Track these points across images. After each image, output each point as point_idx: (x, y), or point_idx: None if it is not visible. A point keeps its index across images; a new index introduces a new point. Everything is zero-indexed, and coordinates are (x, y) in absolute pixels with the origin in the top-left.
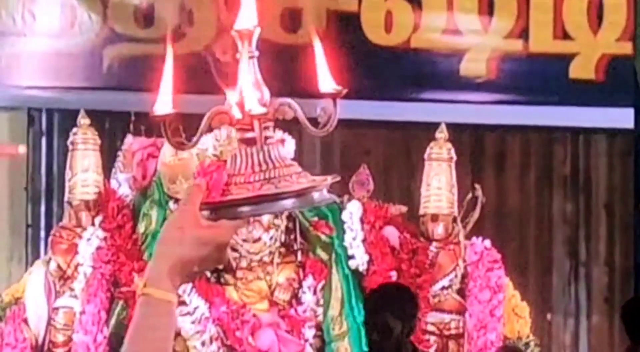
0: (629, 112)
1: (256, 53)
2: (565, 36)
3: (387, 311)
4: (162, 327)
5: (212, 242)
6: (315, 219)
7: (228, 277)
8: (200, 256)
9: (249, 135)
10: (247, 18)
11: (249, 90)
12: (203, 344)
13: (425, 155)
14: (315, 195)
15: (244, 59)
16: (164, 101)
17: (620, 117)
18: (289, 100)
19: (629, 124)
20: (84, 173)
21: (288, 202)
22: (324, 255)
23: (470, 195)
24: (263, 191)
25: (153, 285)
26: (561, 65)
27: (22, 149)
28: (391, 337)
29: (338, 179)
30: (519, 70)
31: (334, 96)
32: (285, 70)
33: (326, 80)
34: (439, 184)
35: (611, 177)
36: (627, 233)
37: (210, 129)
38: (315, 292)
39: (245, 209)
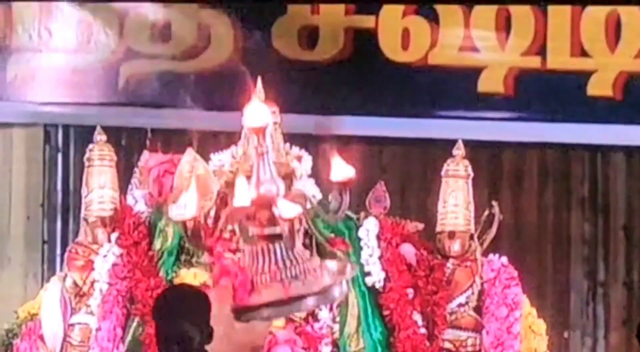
0: None
1: (268, 148)
2: (583, 53)
3: (184, 318)
4: None
5: (248, 346)
6: (332, 235)
7: None
8: None
9: (272, 231)
10: (258, 115)
11: (281, 202)
12: None
13: (442, 172)
14: (336, 291)
15: (256, 155)
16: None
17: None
18: (303, 192)
19: None
20: (100, 190)
21: (313, 301)
22: None
23: (487, 212)
24: (292, 291)
25: None
26: (579, 83)
27: None
28: (192, 348)
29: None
30: (537, 87)
31: (344, 185)
32: (302, 86)
33: (337, 170)
34: (455, 201)
35: (630, 196)
36: None
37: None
38: (331, 309)
39: (274, 311)
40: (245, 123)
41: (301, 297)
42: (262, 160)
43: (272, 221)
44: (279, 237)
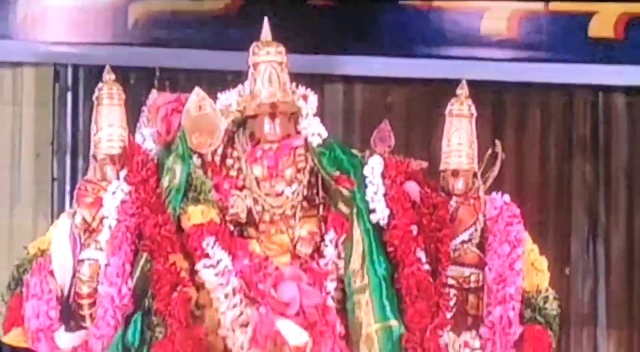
0: None
1: None
2: None
3: None
4: None
5: None
6: (337, 173)
7: (251, 230)
8: None
9: None
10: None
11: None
12: (226, 296)
13: (446, 112)
14: None
15: None
16: None
17: None
18: None
19: None
20: (109, 128)
21: None
22: (345, 209)
23: (490, 151)
24: None
25: None
26: (581, 24)
27: None
28: None
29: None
30: (539, 28)
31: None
32: (308, 27)
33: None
34: (459, 140)
35: (631, 136)
36: None
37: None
38: (336, 246)
39: None
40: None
41: None
42: None
43: None
44: None
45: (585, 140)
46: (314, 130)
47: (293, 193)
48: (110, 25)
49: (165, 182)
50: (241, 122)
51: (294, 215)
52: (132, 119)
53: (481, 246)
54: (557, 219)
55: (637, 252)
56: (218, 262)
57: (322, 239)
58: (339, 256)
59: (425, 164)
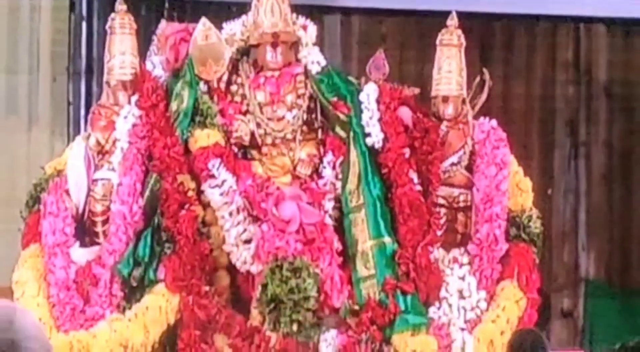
0: (628, 1)
1: None
2: None
3: None
4: None
5: None
6: (335, 99)
7: (254, 152)
8: None
9: None
10: None
11: None
12: (231, 214)
13: (437, 41)
14: None
15: None
16: None
17: (618, 7)
18: None
19: (628, 12)
20: (121, 55)
21: None
22: (342, 133)
23: (478, 78)
24: None
25: None
26: None
27: None
28: None
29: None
30: None
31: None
32: None
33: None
34: (449, 68)
35: (610, 61)
36: (625, 113)
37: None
38: (334, 167)
39: None
40: None
41: None
42: None
43: None
44: None
45: (567, 65)
46: (313, 58)
47: (293, 118)
48: None
49: (173, 106)
50: (245, 51)
51: (295, 138)
52: (143, 47)
53: (469, 168)
54: (541, 141)
55: (616, 169)
56: (223, 182)
57: (321, 161)
58: (336, 177)
59: (417, 91)
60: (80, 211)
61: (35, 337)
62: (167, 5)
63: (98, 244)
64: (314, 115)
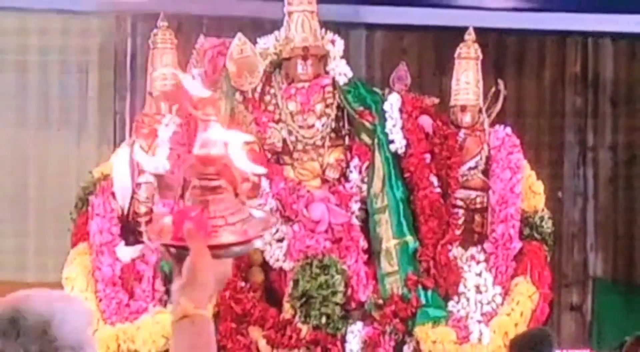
0: (632, 18)
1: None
2: None
3: None
4: (212, 341)
5: (225, 273)
6: (361, 108)
7: (286, 158)
8: (220, 284)
9: (214, 184)
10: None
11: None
12: None
13: (455, 54)
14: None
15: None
16: None
17: (624, 23)
18: None
19: (632, 28)
20: (163, 68)
21: (257, 243)
22: (368, 140)
23: (493, 89)
24: (250, 234)
25: (202, 308)
26: None
27: None
28: None
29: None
30: None
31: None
32: None
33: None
34: (467, 79)
35: (616, 74)
36: (630, 121)
37: None
38: (360, 172)
39: (236, 249)
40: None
41: (253, 238)
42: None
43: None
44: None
45: (576, 77)
46: (340, 70)
47: (322, 125)
48: None
49: None
50: (277, 64)
51: (323, 145)
52: (183, 60)
53: (486, 172)
54: (552, 148)
55: (621, 173)
56: None
57: (348, 166)
58: (362, 181)
59: (436, 101)
60: (125, 212)
61: (72, 323)
62: (205, 21)
63: (142, 243)
64: (341, 124)
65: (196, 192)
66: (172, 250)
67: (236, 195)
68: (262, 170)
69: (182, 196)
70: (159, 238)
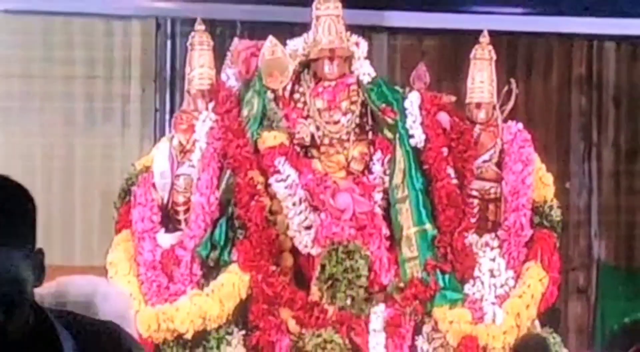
0: (635, 22)
1: None
2: None
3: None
4: None
5: None
6: (383, 105)
7: (313, 151)
8: None
9: None
10: None
11: None
12: (294, 204)
13: (471, 56)
14: None
15: None
16: None
17: (627, 26)
18: None
19: (635, 31)
20: (200, 68)
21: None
22: (389, 134)
23: (506, 87)
24: None
25: None
26: None
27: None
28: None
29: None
30: None
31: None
32: None
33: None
34: (481, 78)
35: (618, 75)
36: (631, 119)
37: None
38: (383, 164)
39: None
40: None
41: None
42: None
43: None
44: None
45: (581, 78)
46: (364, 70)
47: (347, 121)
48: None
49: (245, 112)
50: (306, 64)
51: (348, 139)
52: (219, 61)
53: (499, 165)
54: (559, 143)
55: (622, 167)
56: (287, 177)
57: (371, 159)
58: (384, 173)
59: (454, 98)
60: (165, 201)
61: (113, 305)
62: (239, 25)
63: (180, 230)
64: (365, 119)
65: None
66: None
67: None
68: None
69: None
70: None
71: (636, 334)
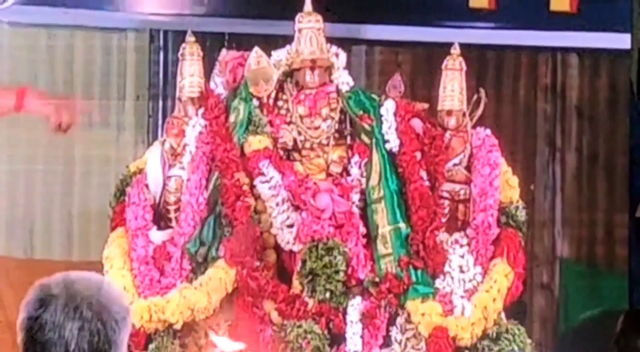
0: (595, 35)
1: None
2: None
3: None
4: None
5: None
6: (361, 112)
7: (295, 155)
8: None
9: None
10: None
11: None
12: (277, 204)
13: (443, 66)
14: None
15: None
16: None
17: (588, 40)
18: None
19: (595, 44)
20: (190, 77)
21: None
22: (366, 139)
23: (475, 96)
24: None
25: None
26: (543, 0)
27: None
28: None
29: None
30: (513, 3)
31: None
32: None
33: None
34: (452, 88)
35: (581, 86)
36: (592, 126)
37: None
38: (360, 167)
39: None
40: None
41: None
42: None
43: None
44: None
45: (546, 88)
46: (343, 80)
47: (327, 127)
48: (191, 1)
49: (232, 118)
50: (289, 74)
51: (328, 143)
52: (208, 70)
53: (468, 168)
54: (525, 147)
55: (584, 171)
56: (271, 178)
57: (349, 162)
58: (361, 175)
59: (426, 106)
60: (157, 201)
61: (118, 301)
62: (227, 37)
63: (171, 227)
64: (343, 125)
65: None
66: None
67: None
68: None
69: None
70: None
71: (596, 326)
